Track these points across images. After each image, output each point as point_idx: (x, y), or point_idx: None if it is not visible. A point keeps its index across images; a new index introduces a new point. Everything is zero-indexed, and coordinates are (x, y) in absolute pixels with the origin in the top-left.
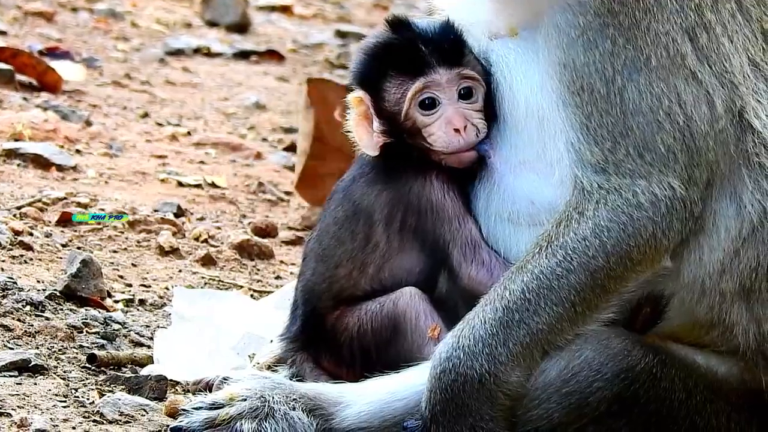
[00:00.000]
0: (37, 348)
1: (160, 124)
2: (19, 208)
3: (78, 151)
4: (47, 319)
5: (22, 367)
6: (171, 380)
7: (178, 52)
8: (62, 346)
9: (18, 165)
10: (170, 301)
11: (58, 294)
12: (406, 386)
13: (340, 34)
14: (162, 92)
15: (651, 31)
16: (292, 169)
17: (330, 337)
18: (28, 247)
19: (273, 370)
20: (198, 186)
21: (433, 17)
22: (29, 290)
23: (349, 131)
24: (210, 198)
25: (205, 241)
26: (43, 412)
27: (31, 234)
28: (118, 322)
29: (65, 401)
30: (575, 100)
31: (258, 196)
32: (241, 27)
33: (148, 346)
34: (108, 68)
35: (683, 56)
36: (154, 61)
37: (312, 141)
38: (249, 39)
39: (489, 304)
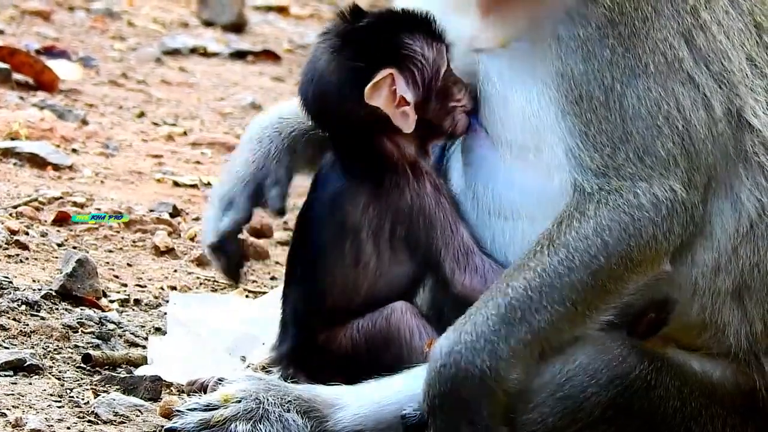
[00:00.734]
0: (33, 348)
1: (156, 124)
2: (15, 207)
3: (74, 151)
4: (42, 318)
5: (18, 367)
6: (166, 381)
7: (174, 52)
8: (57, 345)
9: (14, 164)
10: (166, 301)
11: (53, 293)
12: (403, 389)
13: None
14: (158, 92)
15: (649, 39)
16: None
17: (323, 356)
18: (24, 247)
19: (267, 372)
20: (194, 186)
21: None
22: (25, 290)
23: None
24: (206, 198)
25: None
26: (38, 412)
27: (27, 233)
28: (113, 322)
29: (60, 401)
30: (574, 108)
31: None
32: (238, 27)
33: (143, 347)
34: (104, 67)
35: (680, 60)
36: (151, 60)
37: None
38: (245, 39)
39: (491, 300)
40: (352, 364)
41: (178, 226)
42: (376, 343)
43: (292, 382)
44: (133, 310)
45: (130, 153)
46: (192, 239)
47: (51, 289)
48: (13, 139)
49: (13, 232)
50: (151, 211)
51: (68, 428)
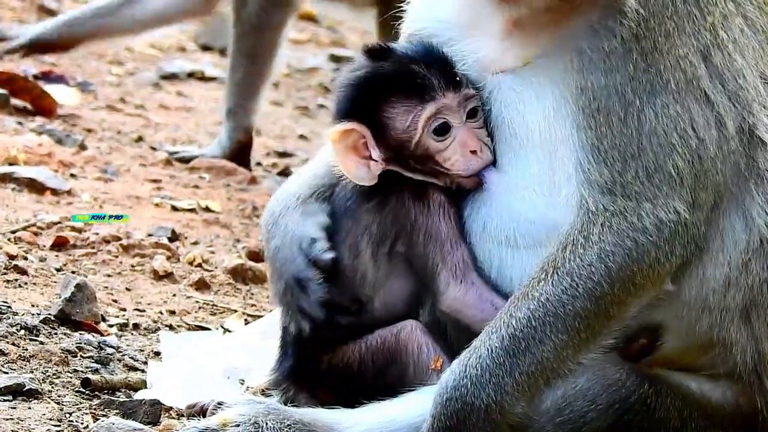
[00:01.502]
0: (32, 372)
1: (154, 148)
2: (13, 232)
3: (72, 176)
4: (41, 343)
5: (17, 391)
6: (165, 405)
7: (172, 77)
8: (56, 370)
9: (12, 189)
10: (165, 325)
11: (52, 318)
12: (404, 413)
13: (334, 59)
14: (156, 116)
15: (671, 55)
16: None
17: (327, 373)
18: (23, 272)
19: (266, 395)
20: (192, 210)
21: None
22: (24, 314)
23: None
24: (204, 222)
25: (200, 265)
26: None
27: (26, 258)
28: (112, 347)
29: (59, 425)
30: (589, 121)
31: (252, 220)
32: None
33: (142, 371)
34: (102, 92)
35: (698, 78)
36: (149, 85)
37: None
38: None
39: (495, 332)
40: (356, 381)
41: (177, 251)
42: (384, 359)
43: (292, 405)
44: (132, 334)
45: (129, 178)
46: (191, 263)
47: (50, 314)
48: (11, 164)
49: (12, 257)
50: (150, 235)
51: None
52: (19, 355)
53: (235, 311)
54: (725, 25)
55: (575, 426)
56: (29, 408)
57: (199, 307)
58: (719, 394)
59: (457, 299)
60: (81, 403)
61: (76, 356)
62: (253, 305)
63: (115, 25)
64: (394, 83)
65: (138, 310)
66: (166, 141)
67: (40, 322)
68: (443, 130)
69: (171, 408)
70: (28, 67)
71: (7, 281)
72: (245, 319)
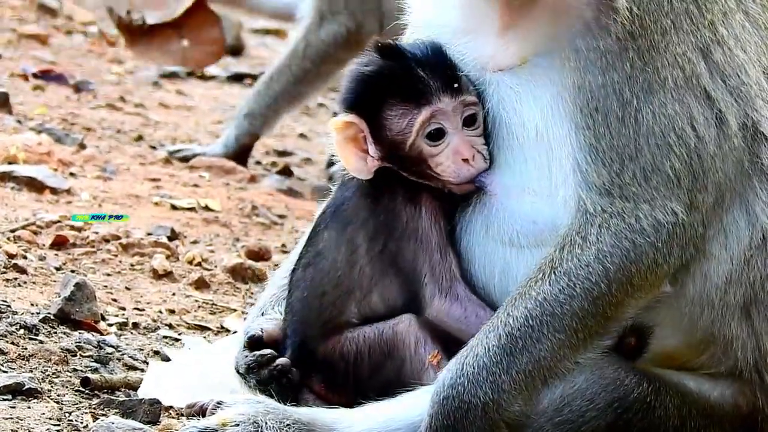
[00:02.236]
0: (31, 371)
1: (153, 147)
2: (12, 231)
3: (72, 174)
4: (41, 342)
5: (16, 391)
6: (165, 404)
7: (171, 75)
8: (56, 369)
9: (12, 188)
10: (164, 324)
11: (51, 317)
12: (403, 412)
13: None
14: (156, 115)
15: (669, 53)
16: (286, 192)
17: (323, 364)
18: (22, 271)
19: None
20: (192, 209)
21: (418, 41)
22: (23, 313)
23: (335, 159)
24: (204, 221)
25: (199, 264)
26: None
27: (25, 257)
28: (111, 346)
29: (59, 425)
30: (587, 121)
31: (251, 219)
32: (235, 50)
33: (142, 370)
34: (102, 91)
35: (698, 76)
36: (148, 83)
37: None
38: (243, 62)
39: (492, 331)
40: (352, 374)
41: (176, 250)
42: (381, 352)
43: (292, 404)
44: (132, 333)
45: (128, 176)
46: (190, 262)
47: (49, 313)
48: (10, 163)
49: (12, 256)
50: (149, 234)
51: None
52: (19, 355)
53: (235, 310)
54: (725, 21)
55: (574, 425)
56: (29, 407)
57: (199, 306)
58: (718, 393)
59: (442, 311)
60: (80, 402)
61: (75, 355)
62: (252, 304)
63: None
64: (394, 85)
65: (137, 309)
66: (166, 140)
67: (39, 321)
68: (437, 135)
69: (170, 407)
70: (27, 65)
71: (7, 280)
72: (245, 318)
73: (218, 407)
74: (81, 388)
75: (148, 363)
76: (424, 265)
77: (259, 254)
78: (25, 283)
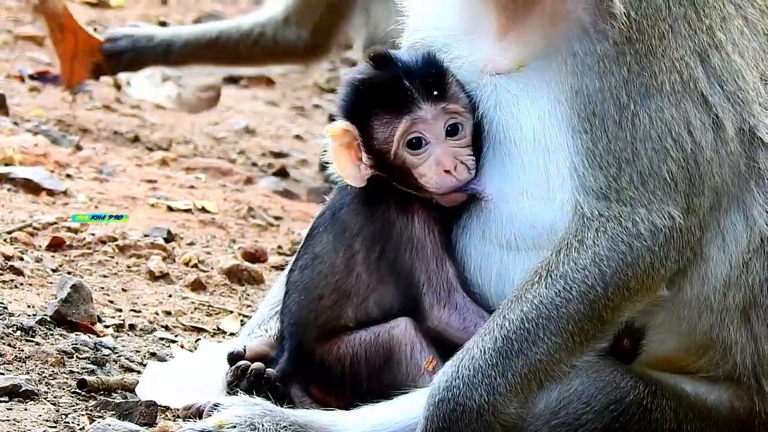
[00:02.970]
0: (28, 373)
1: (149, 149)
2: (9, 232)
3: (68, 176)
4: (38, 344)
5: (13, 393)
6: (161, 406)
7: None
8: (53, 371)
9: (8, 189)
10: (161, 326)
11: (48, 319)
12: (399, 415)
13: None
14: (152, 116)
15: (666, 58)
16: (282, 194)
17: (320, 367)
18: (19, 272)
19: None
20: (188, 211)
21: (416, 50)
22: (20, 315)
23: (328, 162)
24: (200, 223)
25: (195, 266)
26: None
27: (22, 259)
28: (108, 348)
29: (55, 427)
30: (585, 125)
31: (248, 221)
32: None
33: (139, 372)
34: (98, 92)
35: (695, 80)
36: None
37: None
38: None
39: (488, 333)
40: (349, 377)
41: (173, 251)
42: (377, 355)
43: (288, 406)
44: (128, 335)
45: (124, 178)
46: (186, 264)
47: (46, 315)
48: (7, 164)
49: (8, 258)
50: (146, 236)
51: None
52: (15, 356)
53: (231, 312)
54: (724, 27)
55: (571, 428)
56: (25, 409)
57: (195, 308)
58: (715, 396)
59: (441, 321)
60: (77, 404)
61: (72, 357)
62: (248, 306)
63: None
64: (379, 94)
65: (134, 310)
66: (162, 141)
67: (36, 322)
68: (417, 144)
69: (167, 409)
70: (23, 67)
71: (3, 282)
72: (241, 320)
73: (215, 409)
74: (78, 390)
75: (144, 365)
76: (422, 275)
77: (256, 256)
78: (21, 284)
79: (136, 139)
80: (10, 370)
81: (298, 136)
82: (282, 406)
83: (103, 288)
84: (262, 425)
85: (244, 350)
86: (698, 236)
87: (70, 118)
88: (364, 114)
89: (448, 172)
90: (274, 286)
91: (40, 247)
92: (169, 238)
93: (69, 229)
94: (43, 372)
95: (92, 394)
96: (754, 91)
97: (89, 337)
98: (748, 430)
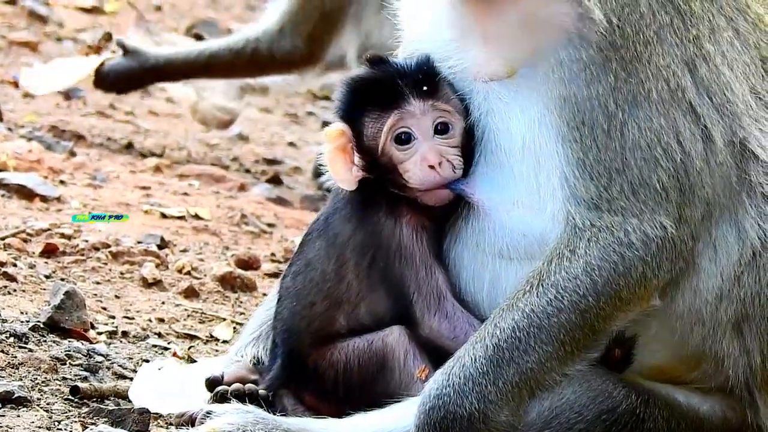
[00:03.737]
0: (21, 380)
1: (143, 155)
2: (2, 238)
3: (62, 182)
4: (30, 350)
5: (6, 399)
6: (154, 413)
7: None
8: (45, 378)
9: (2, 195)
10: (154, 333)
11: (41, 325)
12: (391, 423)
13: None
14: (146, 123)
15: (652, 65)
16: (275, 201)
17: (313, 374)
18: (12, 278)
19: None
20: (181, 218)
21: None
22: (13, 321)
23: (322, 167)
24: (193, 230)
25: (188, 273)
26: None
27: (15, 265)
28: (101, 354)
29: None
30: (574, 134)
31: (241, 228)
32: None
33: (132, 379)
34: (92, 98)
35: (683, 89)
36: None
37: None
38: None
39: (479, 342)
40: (341, 384)
41: (166, 258)
42: (370, 363)
43: (281, 414)
44: (121, 342)
45: (118, 184)
46: (179, 271)
47: (39, 321)
48: (0, 170)
49: (1, 264)
50: (139, 242)
51: None
52: (8, 363)
53: (224, 319)
54: (713, 38)
55: None
56: (18, 416)
57: (188, 315)
58: (708, 406)
59: (432, 329)
60: (70, 411)
61: (65, 364)
62: (241, 313)
63: None
64: (371, 91)
65: (127, 317)
66: (156, 148)
67: (29, 329)
68: (405, 140)
69: (160, 416)
70: (17, 73)
71: None
72: (234, 327)
73: (207, 416)
74: (70, 397)
75: (137, 372)
76: (412, 283)
77: (249, 263)
78: (14, 291)
79: (129, 146)
80: (3, 377)
81: (291, 143)
82: (275, 414)
83: (96, 295)
84: None
85: (222, 376)
86: (690, 246)
87: (63, 124)
88: (356, 112)
89: (432, 167)
90: (257, 311)
91: (34, 253)
92: (163, 244)
93: (62, 236)
94: (36, 378)
95: (85, 400)
96: (744, 104)
97: (82, 343)
98: None
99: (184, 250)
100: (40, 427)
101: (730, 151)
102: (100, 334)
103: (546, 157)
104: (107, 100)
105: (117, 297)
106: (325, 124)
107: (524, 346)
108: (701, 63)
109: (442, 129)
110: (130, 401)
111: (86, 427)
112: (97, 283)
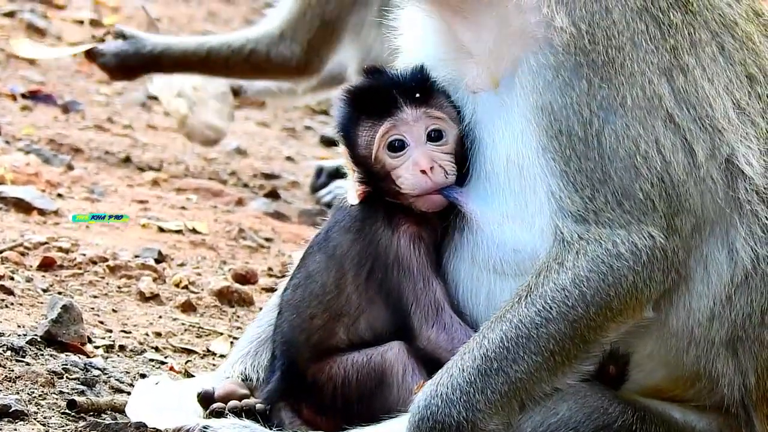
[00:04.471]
0: (18, 393)
1: (141, 169)
2: (0, 252)
3: (60, 196)
4: (27, 364)
5: (2, 413)
6: (151, 428)
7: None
8: (42, 391)
9: None
10: (151, 347)
11: (38, 339)
12: None
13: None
14: (144, 136)
15: (626, 70)
16: (272, 215)
17: (311, 388)
18: (9, 292)
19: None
20: (179, 232)
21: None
22: (10, 335)
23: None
24: (191, 244)
25: (186, 287)
26: None
27: (12, 278)
28: (98, 368)
29: None
30: (554, 144)
31: (238, 242)
32: None
33: (128, 393)
34: (90, 112)
35: (660, 97)
36: (136, 105)
37: None
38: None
39: (468, 352)
40: (340, 399)
41: (163, 272)
42: (368, 378)
43: (277, 429)
44: (118, 356)
45: (116, 198)
46: (177, 285)
47: (36, 335)
48: None
49: None
50: (136, 256)
51: None
52: (5, 377)
53: (221, 334)
54: (693, 51)
55: None
56: (15, 429)
57: (185, 330)
58: (704, 424)
59: (431, 340)
60: (67, 425)
61: (62, 378)
62: (239, 328)
63: None
64: (364, 100)
65: (124, 331)
66: (153, 162)
67: (26, 343)
68: (398, 147)
69: (157, 431)
70: (15, 85)
71: None
72: (231, 342)
73: (204, 431)
74: (67, 411)
75: (134, 386)
76: (409, 295)
77: (246, 277)
78: (12, 304)
79: (127, 159)
80: (0, 390)
81: (289, 158)
82: (272, 428)
83: (93, 308)
84: None
85: (213, 390)
86: (683, 258)
87: (61, 138)
88: (351, 124)
89: (424, 172)
90: (248, 328)
91: (31, 266)
92: (160, 258)
93: (60, 249)
94: (33, 392)
95: (82, 414)
96: (724, 119)
97: (79, 357)
98: None
99: (182, 264)
100: None
101: (715, 167)
102: (97, 348)
103: (530, 169)
104: (105, 114)
105: (114, 311)
106: (323, 138)
107: (513, 356)
108: (679, 74)
109: (435, 136)
110: (126, 415)
111: None
112: (95, 296)
